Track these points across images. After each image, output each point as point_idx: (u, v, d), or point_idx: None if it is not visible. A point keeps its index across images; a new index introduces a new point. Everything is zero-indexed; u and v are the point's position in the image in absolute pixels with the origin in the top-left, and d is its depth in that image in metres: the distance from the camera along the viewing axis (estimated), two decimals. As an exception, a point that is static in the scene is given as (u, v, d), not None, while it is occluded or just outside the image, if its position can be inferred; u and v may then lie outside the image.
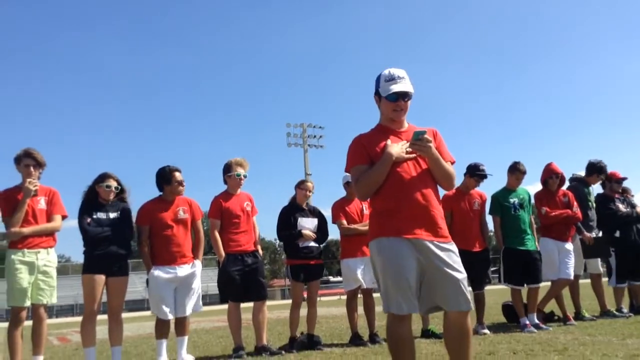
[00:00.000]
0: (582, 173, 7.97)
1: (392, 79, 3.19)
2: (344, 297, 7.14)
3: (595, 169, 7.86)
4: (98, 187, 5.28)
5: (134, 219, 5.49)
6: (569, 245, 7.16)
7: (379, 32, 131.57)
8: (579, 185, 7.73)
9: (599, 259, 7.76)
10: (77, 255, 69.93)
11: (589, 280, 7.91)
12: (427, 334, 6.44)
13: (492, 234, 7.47)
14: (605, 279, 7.84)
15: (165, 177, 5.55)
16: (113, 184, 5.31)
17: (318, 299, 6.75)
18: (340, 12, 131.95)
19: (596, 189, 8.06)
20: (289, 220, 6.30)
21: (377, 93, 3.28)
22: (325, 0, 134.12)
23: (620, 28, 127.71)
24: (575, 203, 7.25)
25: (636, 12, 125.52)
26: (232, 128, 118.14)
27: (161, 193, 5.61)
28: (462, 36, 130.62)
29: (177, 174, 5.58)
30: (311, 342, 6.13)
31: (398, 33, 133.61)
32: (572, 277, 7.13)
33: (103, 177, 5.31)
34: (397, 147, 3.12)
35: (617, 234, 7.62)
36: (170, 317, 5.42)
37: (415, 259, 3.02)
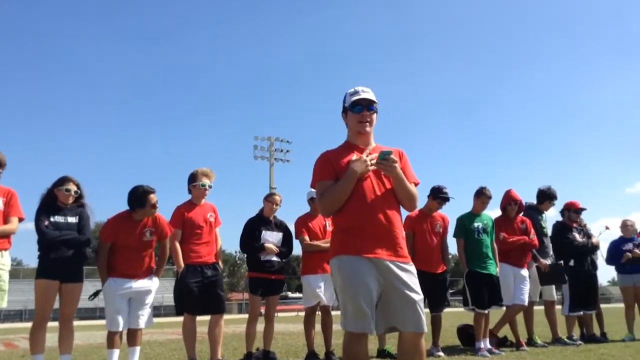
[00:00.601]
0: (534, 201, 8.16)
1: (355, 93, 3.28)
2: (302, 313, 7.10)
3: (547, 196, 8.06)
4: (57, 191, 5.16)
5: (92, 225, 5.38)
6: (525, 272, 7.31)
7: (351, 50, 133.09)
8: (533, 212, 7.90)
9: (554, 286, 7.93)
10: (29, 259, 67.84)
11: (542, 307, 8.08)
12: (382, 354, 6.47)
13: (451, 256, 7.57)
14: (559, 307, 8.01)
15: (139, 200, 5.33)
16: (73, 187, 5.20)
17: (276, 314, 6.70)
18: (314, 27, 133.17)
19: (550, 215, 8.27)
20: (254, 233, 6.25)
21: (344, 110, 3.35)
22: (298, 15, 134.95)
23: (593, 52, 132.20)
24: (532, 230, 7.43)
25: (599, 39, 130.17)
26: (198, 138, 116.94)
27: (130, 211, 5.42)
28: (435, 56, 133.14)
29: (152, 196, 5.37)
30: (267, 359, 6.07)
31: (369, 52, 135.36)
32: (526, 303, 7.27)
33: (62, 181, 5.19)
34: (361, 162, 3.12)
35: (572, 263, 7.81)
36: (122, 328, 5.30)
37: (375, 279, 3.05)
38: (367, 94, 3.27)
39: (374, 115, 3.31)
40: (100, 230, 5.43)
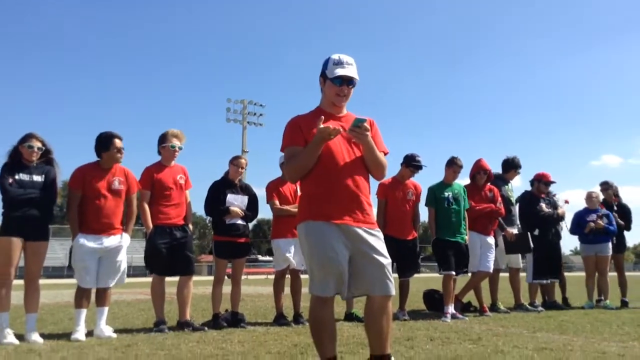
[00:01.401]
0: (500, 171, 8.27)
1: (340, 63, 3.20)
2: (272, 276, 7.14)
3: (512, 165, 8.19)
4: (21, 147, 5.04)
5: (59, 183, 5.28)
6: (491, 239, 7.46)
7: (330, 18, 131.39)
8: (499, 182, 8.01)
9: (520, 255, 8.11)
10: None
11: (507, 274, 8.27)
12: (350, 317, 6.57)
13: (421, 224, 7.67)
14: (523, 274, 8.22)
15: (104, 143, 5.32)
16: (36, 144, 5.07)
17: (246, 277, 6.73)
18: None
19: (516, 185, 8.42)
20: (218, 196, 6.18)
21: (323, 74, 3.26)
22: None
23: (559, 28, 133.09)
24: (499, 199, 7.56)
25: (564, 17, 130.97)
26: (169, 98, 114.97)
27: (98, 159, 5.39)
28: (409, 32, 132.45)
29: (116, 140, 5.34)
30: (235, 320, 6.11)
31: (350, 20, 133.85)
32: (491, 270, 7.44)
33: (26, 137, 5.07)
34: (326, 127, 3.01)
35: (537, 232, 7.98)
36: (92, 286, 5.27)
37: (343, 244, 3.07)
38: (351, 68, 3.21)
39: (352, 89, 3.27)
40: (69, 179, 5.34)
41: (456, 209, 7.08)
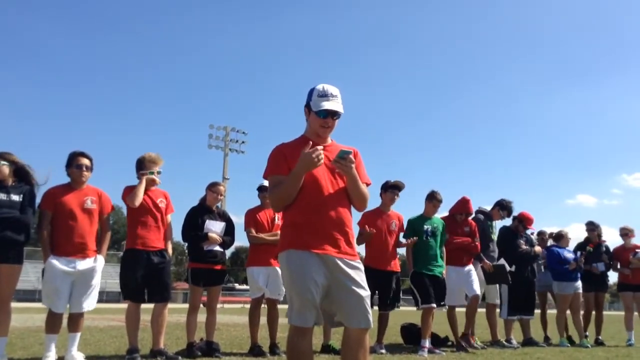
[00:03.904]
0: (489, 207, 8.38)
1: (324, 96, 3.20)
2: (248, 305, 7.06)
3: (502, 207, 8.29)
4: None
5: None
6: (468, 267, 7.52)
7: (313, 45, 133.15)
8: (484, 218, 8.13)
9: (497, 290, 8.14)
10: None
11: (484, 310, 8.29)
12: (327, 349, 6.50)
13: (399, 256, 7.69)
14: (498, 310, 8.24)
15: (68, 160, 5.32)
16: (2, 162, 4.94)
17: (222, 306, 6.66)
18: (277, 20, 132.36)
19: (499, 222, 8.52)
20: (196, 222, 6.11)
21: (307, 105, 3.27)
22: (261, 9, 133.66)
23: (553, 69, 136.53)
24: (477, 235, 7.63)
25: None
26: (153, 123, 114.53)
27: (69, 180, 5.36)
28: (392, 62, 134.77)
29: (81, 158, 5.31)
30: (210, 349, 6.01)
31: (330, 48, 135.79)
32: (478, 293, 7.48)
33: None
34: (309, 155, 3.02)
35: (513, 268, 8.05)
36: (63, 310, 5.16)
37: (323, 274, 3.06)
38: (336, 101, 3.20)
39: (337, 121, 3.28)
40: (41, 200, 5.27)
41: (434, 242, 7.12)
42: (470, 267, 7.54)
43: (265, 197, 6.39)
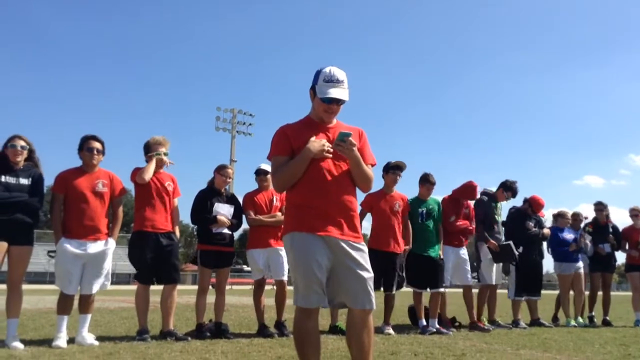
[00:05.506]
0: (494, 189, 8.34)
1: (330, 81, 3.17)
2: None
3: (506, 188, 8.23)
4: (6, 149, 5.00)
5: (46, 187, 5.24)
6: (463, 252, 7.58)
7: (320, 28, 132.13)
8: (489, 199, 8.10)
9: (495, 272, 8.13)
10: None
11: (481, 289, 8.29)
12: (334, 330, 6.55)
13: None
14: (501, 291, 8.27)
15: (80, 144, 5.36)
16: (19, 143, 5.02)
17: (230, 287, 6.71)
18: (284, 2, 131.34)
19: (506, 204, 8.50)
20: (205, 204, 6.16)
21: (313, 88, 3.25)
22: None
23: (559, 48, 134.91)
24: (473, 218, 7.69)
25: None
26: (160, 106, 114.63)
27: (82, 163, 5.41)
28: (399, 43, 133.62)
29: (92, 141, 5.35)
30: (219, 330, 6.07)
31: (337, 31, 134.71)
32: (470, 282, 7.55)
33: (10, 138, 5.04)
34: (318, 145, 3.11)
35: (520, 249, 8.04)
36: (74, 292, 5.22)
37: (326, 256, 3.07)
38: (341, 90, 3.18)
39: (342, 106, 3.27)
40: (53, 183, 5.32)
41: (430, 224, 7.15)
42: (465, 253, 7.60)
43: (262, 180, 6.47)
